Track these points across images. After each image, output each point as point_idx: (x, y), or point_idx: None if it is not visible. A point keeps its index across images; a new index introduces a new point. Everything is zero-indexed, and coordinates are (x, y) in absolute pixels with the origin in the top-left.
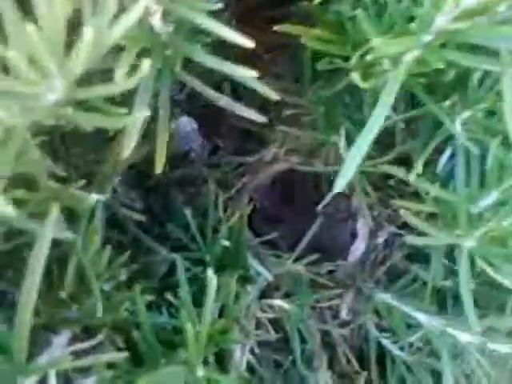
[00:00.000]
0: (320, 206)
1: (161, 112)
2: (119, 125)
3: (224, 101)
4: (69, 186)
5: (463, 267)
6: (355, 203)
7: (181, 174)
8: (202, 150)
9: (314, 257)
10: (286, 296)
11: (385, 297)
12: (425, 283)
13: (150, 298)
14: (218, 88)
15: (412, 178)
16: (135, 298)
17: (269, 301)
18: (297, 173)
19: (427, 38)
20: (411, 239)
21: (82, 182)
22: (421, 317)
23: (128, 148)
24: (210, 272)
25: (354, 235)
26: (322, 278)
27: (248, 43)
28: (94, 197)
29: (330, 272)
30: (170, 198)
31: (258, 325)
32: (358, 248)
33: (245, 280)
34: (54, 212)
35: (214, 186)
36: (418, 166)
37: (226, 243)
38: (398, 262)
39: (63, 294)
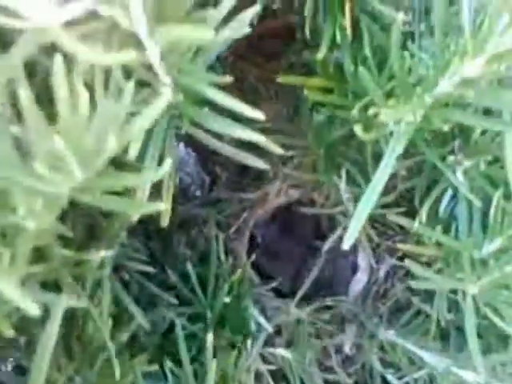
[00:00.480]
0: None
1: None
2: (126, 210)
3: (228, 150)
4: (83, 252)
5: (468, 313)
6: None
7: (181, 214)
8: (201, 183)
9: (317, 303)
10: (288, 343)
11: (389, 334)
12: (428, 316)
13: (152, 368)
14: None
15: (415, 226)
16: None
17: (271, 349)
18: (296, 206)
19: (430, 100)
20: (415, 284)
21: (94, 247)
22: (425, 355)
23: (136, 215)
24: (209, 338)
25: (354, 269)
26: (324, 315)
27: (258, 114)
28: (103, 254)
29: (332, 307)
30: (172, 242)
31: (258, 376)
32: (360, 281)
33: (246, 335)
34: (68, 280)
35: (215, 228)
36: (422, 215)
37: (227, 300)
38: (400, 294)
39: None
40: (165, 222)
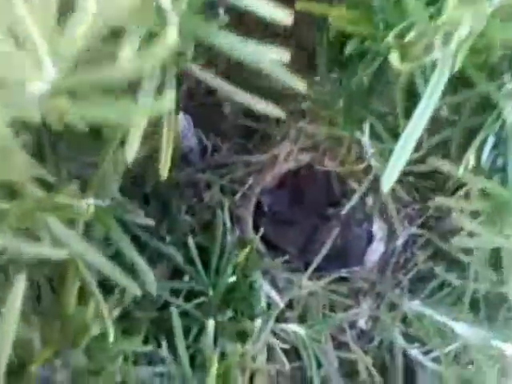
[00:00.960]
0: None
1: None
2: (124, 118)
3: (240, 95)
4: (59, 191)
5: None
6: (370, 203)
7: (181, 179)
8: (200, 151)
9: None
10: (301, 318)
11: (413, 304)
12: (454, 287)
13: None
14: None
15: (460, 172)
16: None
17: (282, 325)
18: (306, 172)
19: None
20: (458, 241)
21: (74, 186)
22: (457, 326)
23: (132, 149)
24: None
25: (370, 239)
26: (338, 288)
27: (287, 20)
28: (91, 202)
29: (345, 279)
30: (171, 208)
31: (270, 351)
32: (376, 251)
33: (252, 315)
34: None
35: (219, 194)
36: (469, 158)
37: (233, 278)
38: (422, 264)
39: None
40: (165, 171)
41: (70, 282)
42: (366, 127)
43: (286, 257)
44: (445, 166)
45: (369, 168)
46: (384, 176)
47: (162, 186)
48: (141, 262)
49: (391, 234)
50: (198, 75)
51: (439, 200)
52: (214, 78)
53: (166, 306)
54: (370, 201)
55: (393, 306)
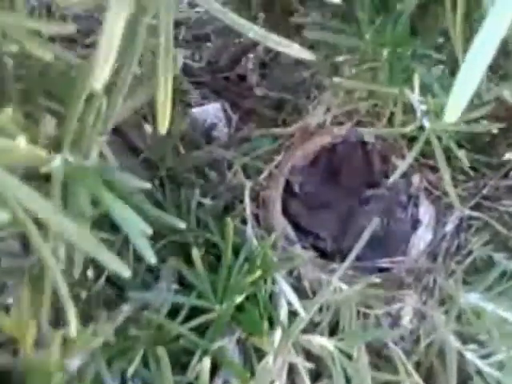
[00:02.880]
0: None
1: (161, 40)
2: None
3: (254, 32)
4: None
5: None
6: (416, 182)
7: (200, 159)
8: (226, 127)
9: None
10: (331, 327)
11: (471, 297)
12: None
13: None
14: None
15: None
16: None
17: (308, 337)
18: (342, 147)
19: None
20: None
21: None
22: None
23: (106, 65)
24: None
25: (415, 224)
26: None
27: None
28: (58, 159)
29: (386, 270)
30: (184, 192)
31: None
32: (423, 238)
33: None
34: None
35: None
36: None
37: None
38: (478, 251)
39: None
40: (164, 126)
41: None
42: (415, 80)
43: (320, 241)
44: None
45: (413, 140)
46: (450, 102)
47: (179, 168)
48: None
49: (440, 218)
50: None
51: None
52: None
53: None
54: (415, 179)
55: (444, 301)
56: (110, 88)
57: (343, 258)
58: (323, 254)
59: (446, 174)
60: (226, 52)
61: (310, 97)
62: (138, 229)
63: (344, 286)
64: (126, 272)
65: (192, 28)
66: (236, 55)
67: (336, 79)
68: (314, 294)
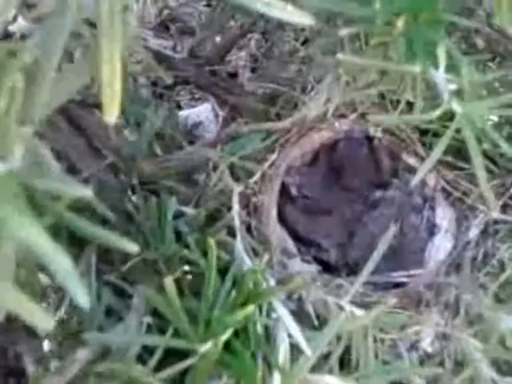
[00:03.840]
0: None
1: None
2: None
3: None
4: None
5: None
6: (431, 182)
7: (181, 161)
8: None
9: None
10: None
11: (505, 317)
12: None
13: None
14: None
15: None
16: None
17: (314, 377)
18: (346, 144)
19: None
20: None
21: None
22: None
23: None
24: None
25: (432, 229)
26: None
27: None
28: None
29: (401, 284)
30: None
31: None
32: (442, 246)
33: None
34: None
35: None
36: None
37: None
38: (510, 262)
39: None
40: (112, 112)
41: None
42: (441, 53)
43: (323, 252)
44: None
45: (425, 134)
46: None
47: (156, 172)
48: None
49: (461, 222)
50: None
51: None
52: None
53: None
54: (431, 179)
55: (471, 320)
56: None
57: (350, 271)
58: (327, 267)
59: (480, 170)
60: (213, 44)
61: (307, 88)
62: (63, 267)
63: (356, 311)
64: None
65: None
66: (224, 47)
67: (340, 56)
68: (319, 319)
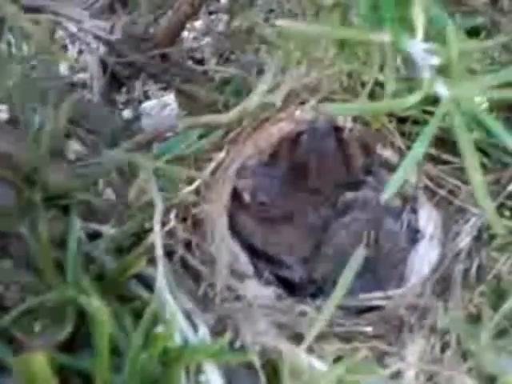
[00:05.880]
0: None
1: None
2: None
3: None
4: None
5: None
6: (412, 179)
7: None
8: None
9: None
10: None
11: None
12: None
13: None
14: None
15: None
16: None
17: None
18: (309, 137)
19: None
20: None
21: None
22: None
23: None
24: None
25: (415, 236)
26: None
27: None
28: None
29: (375, 308)
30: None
31: None
32: (427, 257)
33: None
34: None
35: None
36: None
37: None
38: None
39: None
40: None
41: None
42: (418, 17)
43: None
44: None
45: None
46: None
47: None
48: None
49: (449, 227)
50: None
51: None
52: None
53: None
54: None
55: (465, 351)
56: None
57: (317, 289)
58: (289, 285)
59: (471, 164)
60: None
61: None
62: None
63: (320, 366)
64: None
65: None
66: (174, 28)
67: (280, 22)
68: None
